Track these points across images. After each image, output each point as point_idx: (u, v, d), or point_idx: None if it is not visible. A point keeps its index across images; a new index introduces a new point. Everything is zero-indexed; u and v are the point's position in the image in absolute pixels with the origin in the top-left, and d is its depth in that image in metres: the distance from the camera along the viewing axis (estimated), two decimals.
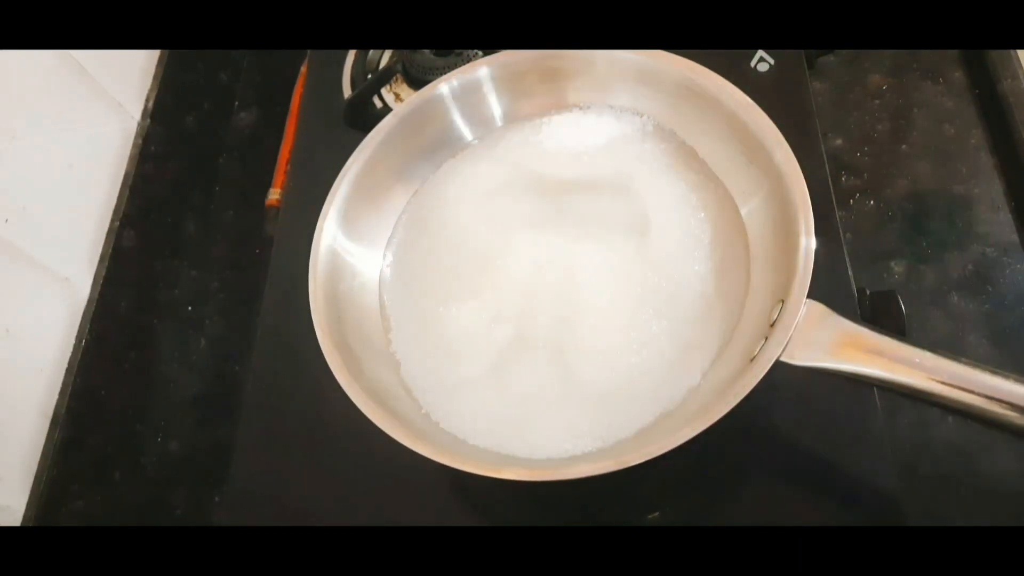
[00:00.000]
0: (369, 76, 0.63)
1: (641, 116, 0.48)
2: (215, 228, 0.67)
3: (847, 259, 0.47)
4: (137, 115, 0.66)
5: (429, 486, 0.46)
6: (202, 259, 0.66)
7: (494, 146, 0.50)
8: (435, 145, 0.50)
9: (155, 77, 0.68)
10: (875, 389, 0.43)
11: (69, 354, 0.57)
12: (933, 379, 0.33)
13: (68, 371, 0.57)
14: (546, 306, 0.43)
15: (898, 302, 0.45)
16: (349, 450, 0.47)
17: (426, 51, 0.60)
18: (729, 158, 0.44)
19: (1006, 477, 0.46)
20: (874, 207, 0.56)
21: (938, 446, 0.47)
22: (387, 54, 0.64)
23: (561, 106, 0.50)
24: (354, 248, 0.47)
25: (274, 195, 0.65)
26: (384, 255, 0.48)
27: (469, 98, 0.49)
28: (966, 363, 0.33)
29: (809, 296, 0.35)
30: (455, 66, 0.49)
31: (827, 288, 0.36)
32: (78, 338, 0.58)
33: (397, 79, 0.62)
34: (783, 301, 0.36)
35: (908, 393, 0.33)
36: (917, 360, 0.33)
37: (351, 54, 0.65)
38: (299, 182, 0.61)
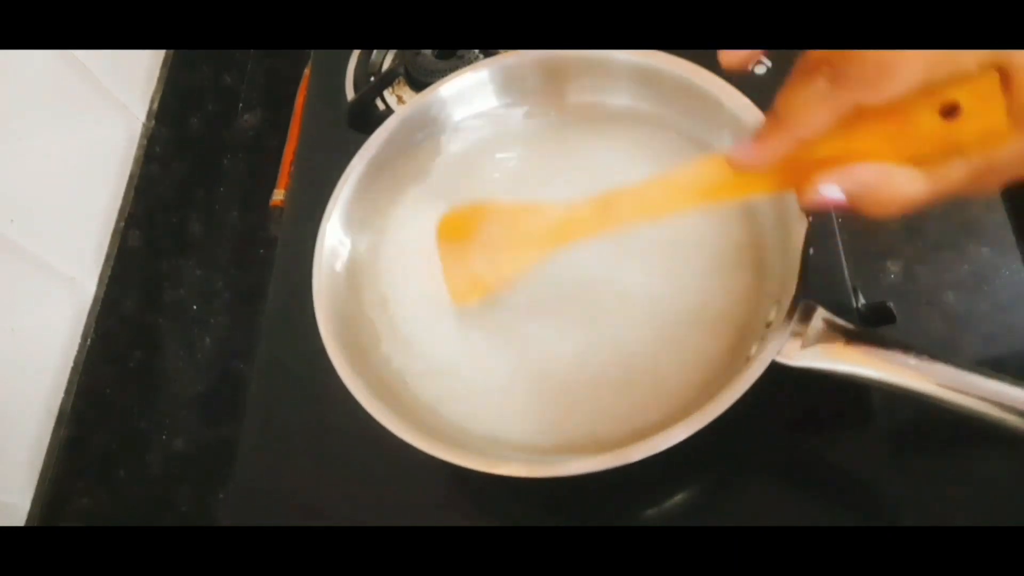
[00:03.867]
0: (372, 79, 0.63)
1: (640, 117, 0.48)
2: (220, 228, 0.68)
3: (843, 260, 0.48)
4: (142, 117, 0.67)
5: (434, 483, 0.47)
6: (207, 259, 0.66)
7: (494, 148, 0.51)
8: (437, 146, 0.51)
9: (159, 79, 0.69)
10: (871, 389, 0.43)
11: (74, 353, 0.58)
12: (929, 381, 0.33)
13: (73, 370, 0.57)
14: (546, 303, 0.44)
15: (891, 312, 0.45)
16: (354, 448, 0.47)
17: (428, 54, 0.61)
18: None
19: (1003, 477, 0.46)
20: None
21: (935, 446, 0.48)
22: (389, 57, 0.65)
23: (561, 108, 0.50)
24: (357, 248, 0.47)
25: (278, 196, 0.66)
26: (386, 254, 0.49)
27: (470, 100, 0.50)
28: (962, 365, 0.33)
29: (805, 297, 0.36)
30: (456, 69, 0.50)
31: (823, 289, 0.37)
32: (83, 337, 0.58)
33: (399, 82, 0.62)
34: (779, 302, 0.37)
35: (904, 394, 0.34)
36: (913, 362, 0.33)
37: (354, 57, 0.65)
38: (303, 183, 0.61)
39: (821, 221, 0.39)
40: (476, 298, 0.44)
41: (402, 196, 0.50)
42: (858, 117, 0.28)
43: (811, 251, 0.37)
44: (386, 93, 0.62)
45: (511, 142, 0.50)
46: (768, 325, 0.37)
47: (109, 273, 0.61)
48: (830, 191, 0.29)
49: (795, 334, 0.35)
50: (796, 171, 0.30)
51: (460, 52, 0.60)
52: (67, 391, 0.57)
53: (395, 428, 0.37)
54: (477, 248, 0.43)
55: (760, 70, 0.55)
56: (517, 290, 0.45)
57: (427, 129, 0.50)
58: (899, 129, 0.28)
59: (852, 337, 0.35)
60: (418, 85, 0.60)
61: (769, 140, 0.31)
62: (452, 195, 0.49)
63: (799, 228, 0.38)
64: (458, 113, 0.50)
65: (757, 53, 0.32)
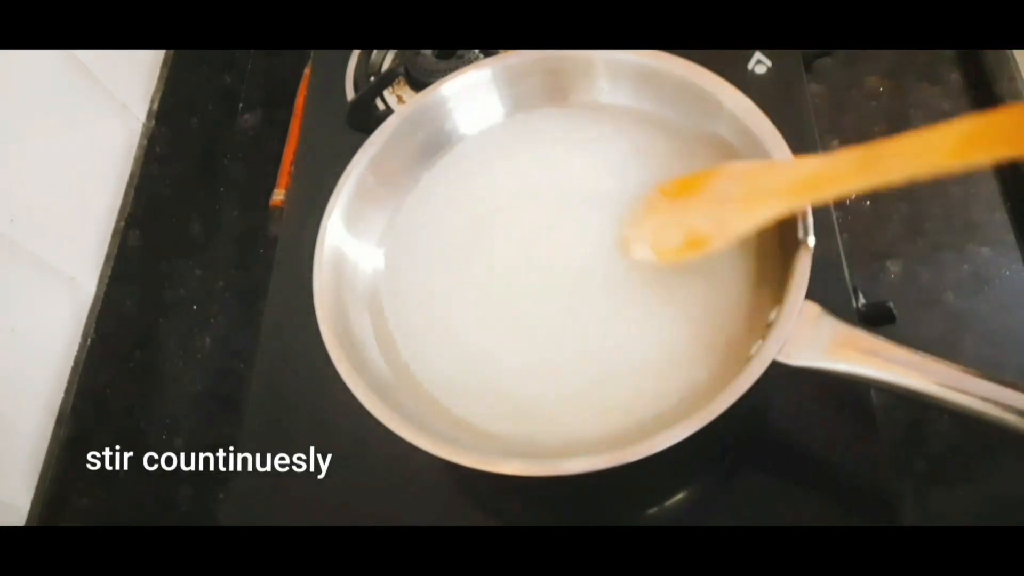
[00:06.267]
0: (372, 79, 0.63)
1: (640, 117, 0.48)
2: (220, 228, 0.68)
3: (843, 259, 0.48)
4: (142, 117, 0.67)
5: (435, 482, 0.47)
6: (207, 259, 0.66)
7: (495, 145, 0.51)
8: (437, 146, 0.51)
9: (160, 79, 0.69)
10: (871, 389, 0.44)
11: (75, 353, 0.58)
12: (928, 381, 0.33)
13: (74, 370, 0.57)
14: (546, 299, 0.44)
15: (891, 312, 0.45)
16: (354, 448, 0.47)
17: (428, 54, 0.61)
18: (728, 159, 0.45)
19: (1003, 477, 0.46)
20: (871, 208, 0.56)
21: (934, 445, 0.48)
22: (389, 57, 0.65)
23: (562, 107, 0.50)
24: (358, 246, 0.47)
25: (278, 196, 0.66)
26: (387, 253, 0.49)
27: (470, 99, 0.50)
28: (961, 365, 0.33)
29: (806, 297, 0.36)
30: (456, 68, 0.50)
31: (824, 289, 0.37)
32: (84, 337, 0.58)
33: (399, 81, 0.62)
34: (780, 301, 0.37)
35: (903, 394, 0.34)
36: (912, 362, 0.33)
37: (354, 57, 0.65)
38: (303, 183, 0.61)
39: (821, 221, 0.39)
40: (686, 255, 0.41)
41: (402, 193, 0.50)
42: None
43: (813, 247, 0.37)
44: (386, 93, 0.62)
45: (512, 142, 0.50)
46: (769, 325, 0.37)
47: (109, 273, 0.61)
48: None
49: (796, 334, 0.35)
50: None
51: (460, 52, 0.60)
52: (67, 391, 0.57)
53: (396, 427, 0.37)
54: (700, 203, 0.40)
55: (760, 70, 0.55)
56: (523, 288, 0.45)
57: (428, 128, 0.50)
58: None
59: (852, 337, 0.35)
60: (418, 85, 0.60)
61: None
62: (453, 194, 0.49)
63: (801, 227, 0.38)
64: (459, 112, 0.50)
65: None
